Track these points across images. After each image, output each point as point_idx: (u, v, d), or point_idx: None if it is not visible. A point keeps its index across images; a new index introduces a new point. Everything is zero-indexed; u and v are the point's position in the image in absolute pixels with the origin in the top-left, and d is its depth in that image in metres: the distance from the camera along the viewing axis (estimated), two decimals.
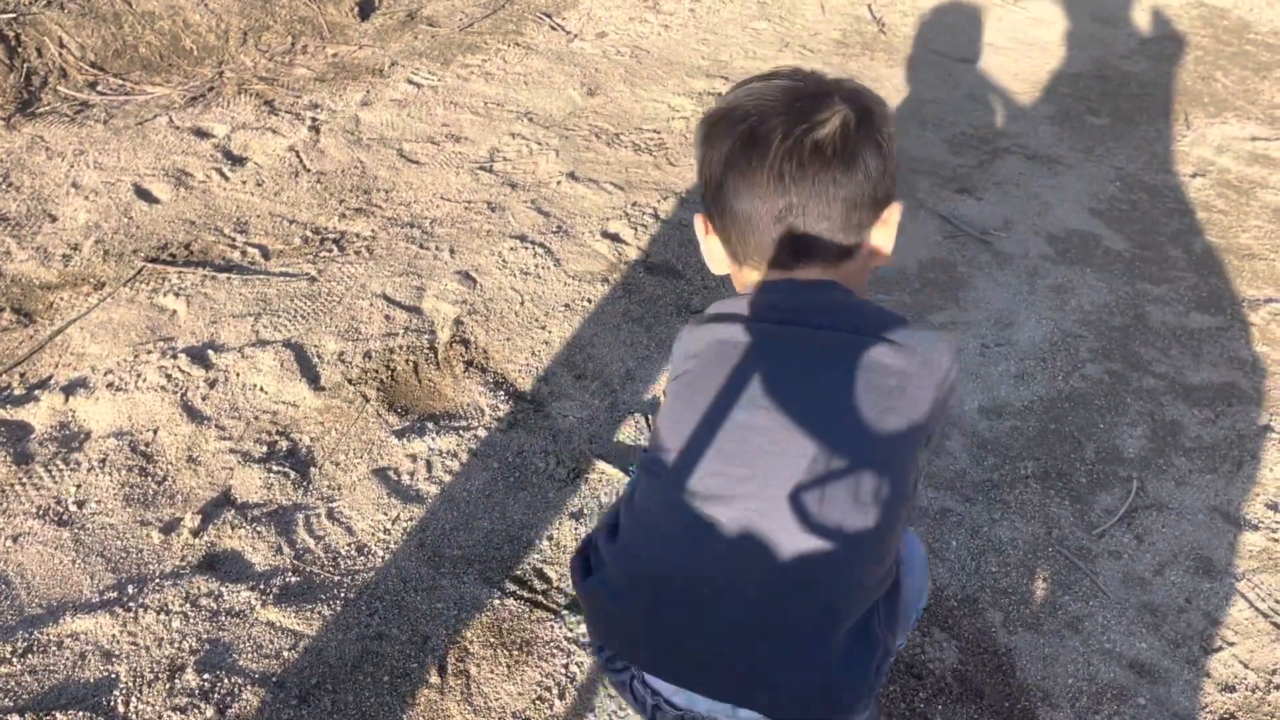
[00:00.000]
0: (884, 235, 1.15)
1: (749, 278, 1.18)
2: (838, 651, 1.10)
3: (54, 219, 2.53)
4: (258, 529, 1.79)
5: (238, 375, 2.10)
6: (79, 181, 2.67)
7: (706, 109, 1.25)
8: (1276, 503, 2.01)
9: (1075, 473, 2.04)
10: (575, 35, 3.74)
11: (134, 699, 1.51)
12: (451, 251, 2.52)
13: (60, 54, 3.13)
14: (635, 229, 2.65)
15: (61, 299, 2.28)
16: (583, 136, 3.08)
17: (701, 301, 2.42)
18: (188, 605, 1.65)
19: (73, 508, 1.80)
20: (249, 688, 1.53)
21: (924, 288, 2.55)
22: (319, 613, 1.65)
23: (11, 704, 1.49)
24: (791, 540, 1.06)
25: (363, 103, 3.15)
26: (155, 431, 1.96)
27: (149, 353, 2.13)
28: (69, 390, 2.03)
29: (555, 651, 1.63)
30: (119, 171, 2.72)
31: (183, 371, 2.09)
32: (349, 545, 1.78)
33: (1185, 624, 1.76)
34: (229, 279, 2.36)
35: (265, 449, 1.95)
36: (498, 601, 1.70)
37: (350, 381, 2.11)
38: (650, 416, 2.09)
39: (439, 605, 1.68)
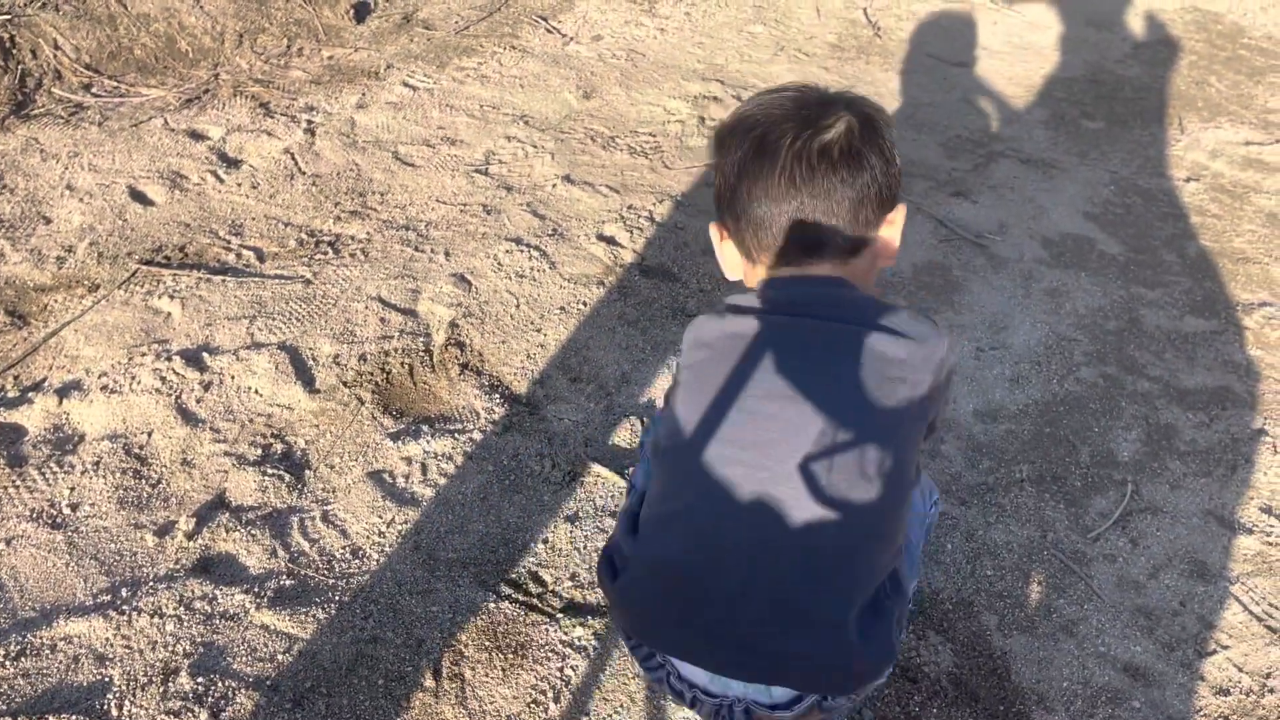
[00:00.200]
0: (890, 235, 1.21)
1: (763, 274, 1.23)
2: (856, 625, 1.15)
3: (48, 221, 2.52)
4: (252, 532, 1.78)
5: (232, 378, 2.09)
6: (73, 183, 2.66)
7: (716, 118, 1.31)
8: (1270, 506, 2.01)
9: (1070, 476, 2.05)
10: (571, 38, 3.74)
11: (127, 702, 1.50)
12: (447, 254, 2.51)
13: (55, 56, 3.13)
14: (631, 232, 2.65)
15: (56, 301, 2.27)
16: (578, 140, 3.08)
17: (697, 305, 2.42)
18: (182, 608, 1.64)
19: (66, 510, 1.80)
20: (243, 691, 1.53)
21: (919, 291, 2.55)
22: (313, 616, 1.65)
23: (4, 707, 1.48)
24: (803, 511, 1.11)
25: (358, 105, 3.15)
26: (149, 434, 1.96)
27: (143, 355, 2.13)
28: (63, 393, 2.02)
29: (550, 655, 1.63)
30: (113, 174, 2.72)
31: (177, 374, 2.08)
32: (344, 548, 1.78)
33: (1179, 627, 1.77)
34: (224, 281, 2.36)
35: (260, 452, 1.94)
36: (493, 605, 1.70)
37: (345, 384, 2.10)
38: (645, 420, 2.09)
39: (434, 608, 1.68)
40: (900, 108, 3.48)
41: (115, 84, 3.13)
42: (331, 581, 1.71)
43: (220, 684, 1.53)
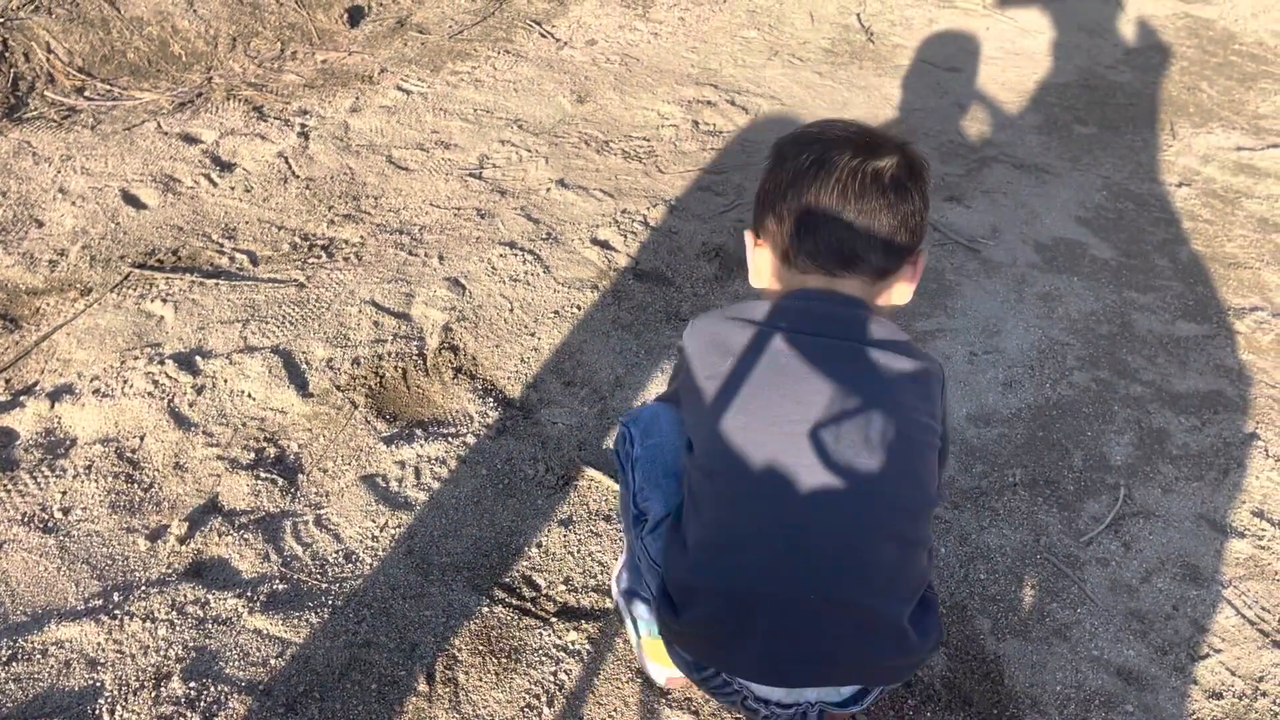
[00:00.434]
0: (910, 274, 1.30)
1: (794, 283, 1.29)
2: (912, 622, 1.25)
3: (40, 224, 2.52)
4: (245, 536, 1.78)
5: (225, 382, 2.09)
6: (66, 187, 2.66)
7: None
8: (1262, 510, 2.02)
9: (1063, 480, 2.05)
10: (565, 43, 3.75)
11: (119, 707, 1.49)
12: (441, 258, 2.51)
13: (48, 59, 3.12)
14: (625, 236, 2.66)
15: (48, 305, 2.26)
16: (572, 144, 3.08)
17: (690, 309, 2.42)
18: (174, 613, 1.64)
19: (58, 515, 1.79)
20: (235, 696, 1.52)
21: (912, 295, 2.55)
22: (306, 620, 1.64)
23: None
24: (868, 527, 1.20)
25: (352, 109, 3.15)
26: (142, 438, 1.95)
27: (136, 359, 2.12)
28: (55, 396, 2.02)
29: (544, 659, 1.63)
30: (106, 177, 2.71)
31: (170, 378, 2.08)
32: (337, 552, 1.77)
33: (1172, 631, 1.77)
34: (217, 285, 2.35)
35: (253, 456, 1.94)
36: (486, 609, 1.69)
37: (339, 388, 2.10)
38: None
39: (427, 612, 1.68)
40: (893, 112, 3.49)
41: (108, 87, 3.13)
42: (324, 585, 1.71)
43: (212, 689, 1.53)
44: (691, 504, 1.28)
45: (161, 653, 1.58)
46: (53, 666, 1.54)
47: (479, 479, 1.93)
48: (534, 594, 1.74)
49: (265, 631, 1.62)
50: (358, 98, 3.21)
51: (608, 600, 1.73)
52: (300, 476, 1.91)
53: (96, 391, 2.03)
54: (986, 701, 1.63)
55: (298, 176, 2.80)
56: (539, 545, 1.82)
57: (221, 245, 2.50)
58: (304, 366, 2.15)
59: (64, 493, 1.83)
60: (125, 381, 2.06)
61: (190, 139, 2.92)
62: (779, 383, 1.21)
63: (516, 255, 2.54)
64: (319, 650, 1.60)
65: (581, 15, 3.98)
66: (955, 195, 3.01)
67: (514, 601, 1.72)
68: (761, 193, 1.31)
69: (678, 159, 3.05)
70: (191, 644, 1.59)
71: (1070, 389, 2.29)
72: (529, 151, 3.01)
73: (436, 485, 1.91)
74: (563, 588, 1.75)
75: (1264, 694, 1.67)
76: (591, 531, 1.85)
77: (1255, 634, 1.78)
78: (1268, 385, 2.34)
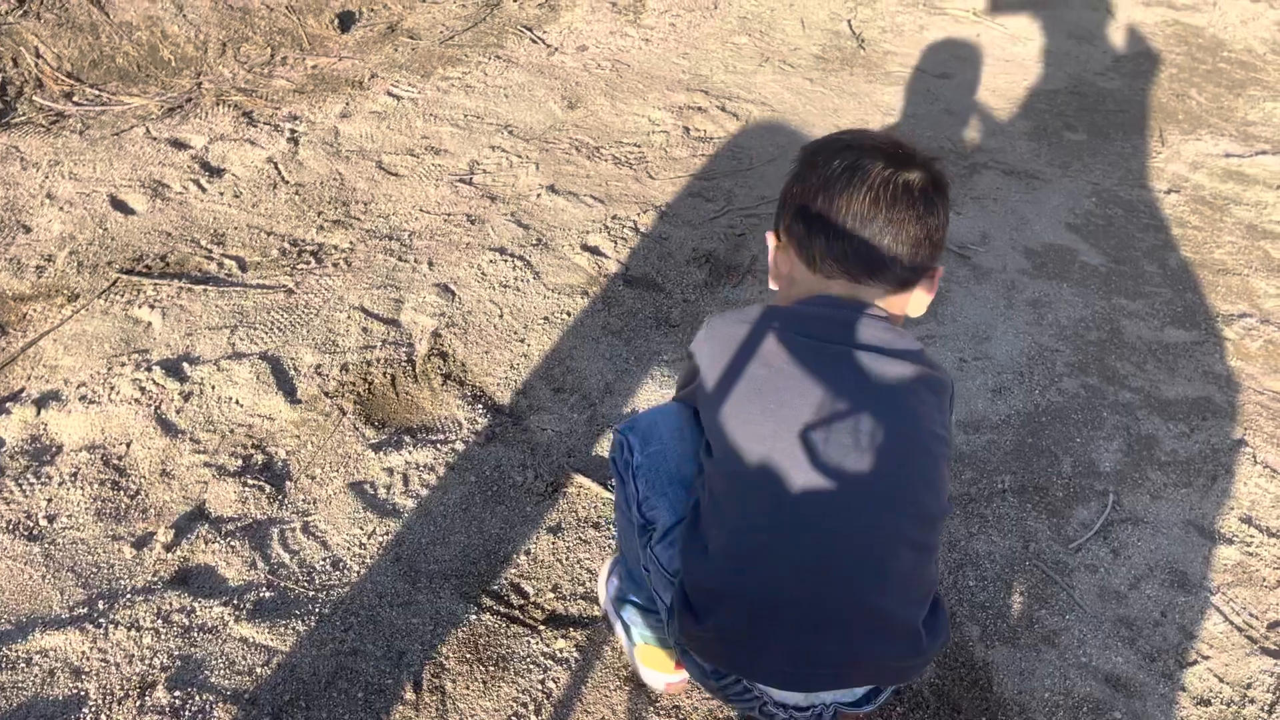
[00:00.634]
0: (928, 286, 1.32)
1: (815, 287, 1.30)
2: (924, 624, 1.27)
3: (28, 230, 2.50)
4: (232, 543, 1.77)
5: (213, 388, 2.08)
6: (54, 192, 2.65)
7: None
8: (1251, 516, 2.02)
9: (1052, 487, 2.05)
10: (556, 49, 3.75)
11: (103, 717, 1.48)
12: (430, 264, 2.51)
13: (36, 64, 3.11)
14: (615, 242, 2.65)
15: (34, 310, 2.25)
16: (563, 149, 3.08)
17: (681, 315, 2.42)
18: (159, 621, 1.63)
19: (43, 522, 1.78)
20: (221, 705, 1.51)
21: None
22: (293, 628, 1.64)
23: None
24: (890, 537, 1.21)
25: (342, 115, 3.14)
26: (128, 445, 1.94)
27: (123, 365, 2.11)
28: (41, 403, 2.01)
29: (532, 667, 1.62)
30: (94, 182, 2.70)
31: (157, 384, 2.07)
32: (324, 560, 1.76)
33: (1161, 638, 1.77)
34: (205, 291, 2.34)
35: (240, 462, 1.93)
36: (474, 617, 1.69)
37: (327, 394, 2.09)
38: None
39: (415, 620, 1.67)
40: (884, 119, 3.49)
41: (97, 92, 3.12)
42: (311, 593, 1.70)
43: (198, 697, 1.52)
44: (713, 508, 1.28)
45: (146, 661, 1.57)
46: (37, 675, 1.53)
47: (468, 486, 1.93)
48: (522, 602, 1.73)
49: (251, 640, 1.61)
50: (348, 103, 3.21)
51: (596, 608, 1.73)
52: (288, 483, 1.90)
53: (83, 398, 2.02)
54: (975, 709, 1.62)
55: (287, 182, 2.79)
56: (528, 553, 1.82)
57: (210, 251, 2.49)
58: (292, 373, 2.14)
59: (49, 500, 1.82)
60: (112, 388, 2.05)
61: (179, 144, 2.91)
62: (800, 390, 1.22)
63: (506, 261, 2.53)
64: (305, 658, 1.59)
65: (572, 21, 3.98)
66: None
67: (502, 609, 1.71)
68: (789, 195, 1.33)
69: (668, 165, 3.05)
70: (177, 652, 1.58)
71: (1059, 395, 2.29)
72: (519, 157, 3.01)
73: (425, 492, 1.91)
74: (551, 595, 1.74)
75: (1252, 700, 1.68)
76: (580, 539, 1.85)
77: (1243, 640, 1.78)
78: (1256, 392, 2.34)
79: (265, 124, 3.05)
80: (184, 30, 3.41)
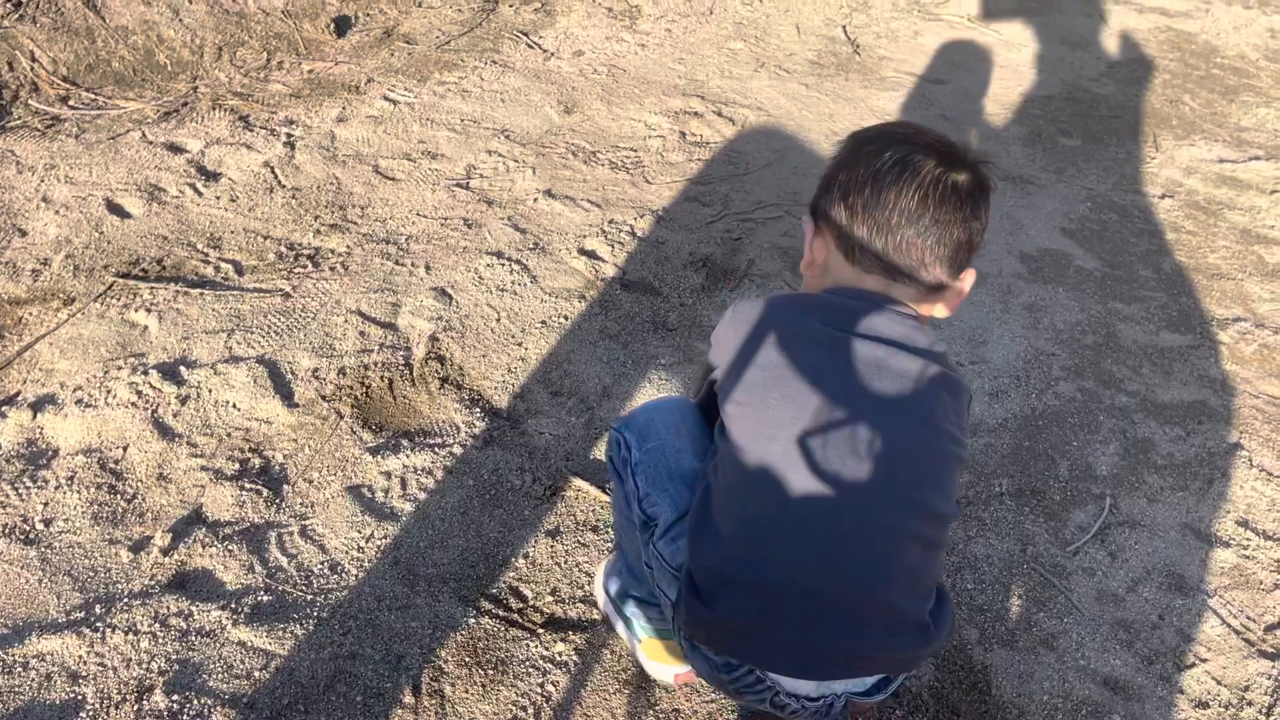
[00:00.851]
0: (959, 291, 1.33)
1: (849, 279, 1.30)
2: (931, 616, 1.28)
3: (24, 234, 2.50)
4: (229, 547, 1.77)
5: (210, 392, 2.08)
6: (49, 196, 2.64)
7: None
8: (1247, 519, 2.03)
9: (1049, 490, 2.06)
10: (552, 54, 3.75)
11: None
12: (427, 268, 2.51)
13: (32, 68, 3.11)
14: (612, 246, 2.66)
15: (30, 314, 2.25)
16: (559, 154, 3.08)
17: (678, 319, 2.42)
18: (157, 625, 1.62)
19: (40, 526, 1.77)
20: (219, 709, 1.51)
21: None
22: (291, 632, 1.63)
23: None
24: (901, 528, 1.22)
25: (338, 119, 3.14)
26: (125, 449, 1.94)
27: (119, 369, 2.11)
28: (37, 407, 2.00)
29: (531, 670, 1.62)
30: (90, 186, 2.70)
31: (154, 388, 2.06)
32: (322, 563, 1.76)
33: (1159, 640, 1.77)
34: (201, 295, 2.34)
35: (237, 466, 1.92)
36: (473, 620, 1.68)
37: (324, 398, 2.09)
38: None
39: (413, 624, 1.67)
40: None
41: (93, 96, 3.11)
42: (310, 597, 1.70)
43: (196, 701, 1.51)
44: (727, 493, 1.27)
45: (144, 665, 1.56)
46: (34, 680, 1.53)
47: (465, 490, 1.93)
48: (521, 605, 1.73)
49: (249, 643, 1.61)
50: (344, 107, 3.21)
51: (595, 611, 1.72)
52: (285, 487, 1.89)
53: (79, 402, 2.02)
54: (974, 711, 1.62)
55: (284, 186, 2.79)
56: (526, 556, 1.81)
57: (206, 255, 2.48)
58: (289, 376, 2.14)
59: (46, 504, 1.81)
60: (108, 392, 2.05)
61: (175, 148, 2.91)
62: (824, 381, 1.22)
63: (503, 265, 2.53)
64: (304, 662, 1.59)
65: (569, 26, 3.99)
66: None
67: (501, 613, 1.71)
68: (833, 182, 1.31)
69: (665, 169, 3.06)
70: (174, 656, 1.58)
71: (1056, 399, 2.30)
72: (516, 162, 3.01)
73: (423, 496, 1.90)
74: (550, 599, 1.74)
75: (1250, 703, 1.68)
76: (579, 542, 1.85)
77: (1241, 643, 1.78)
78: (1251, 395, 2.35)
79: (261, 128, 3.04)
80: (180, 34, 3.40)
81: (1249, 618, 1.83)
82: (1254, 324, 2.59)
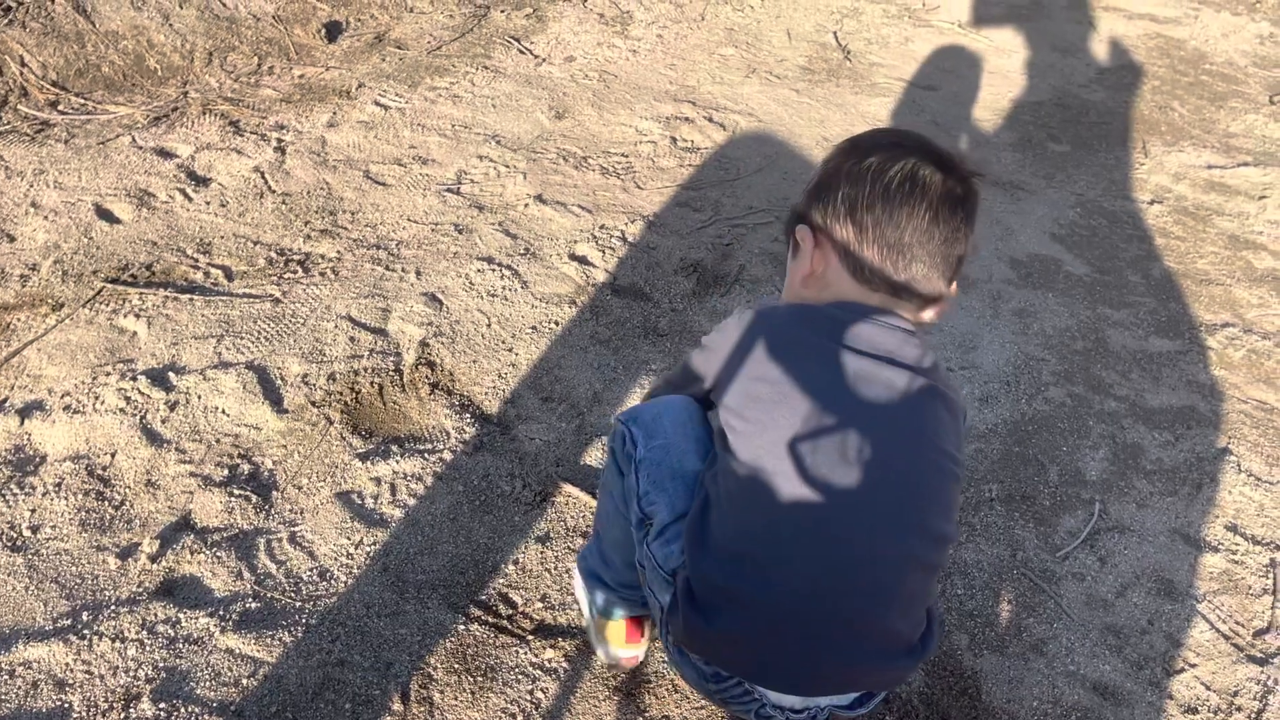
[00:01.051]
0: (949, 299, 1.32)
1: (852, 294, 1.29)
2: (920, 629, 1.28)
3: (12, 239, 2.49)
4: (217, 554, 1.76)
5: (199, 397, 2.07)
6: (38, 201, 2.63)
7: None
8: (1236, 524, 2.03)
9: (1039, 495, 2.06)
10: (543, 59, 3.75)
11: None
12: (418, 273, 2.50)
13: (21, 73, 3.10)
14: (603, 252, 2.66)
15: (18, 320, 2.24)
16: (550, 159, 3.08)
17: (669, 325, 2.42)
18: (144, 632, 1.61)
19: (27, 533, 1.76)
20: (206, 717, 1.50)
21: None
22: (279, 639, 1.62)
23: None
24: (902, 553, 1.21)
25: (329, 124, 3.14)
26: (113, 455, 1.93)
27: (108, 375, 2.10)
28: (25, 413, 1.99)
29: (520, 677, 1.61)
30: (79, 191, 2.69)
31: (142, 394, 2.06)
32: (311, 570, 1.75)
33: (1148, 646, 1.78)
34: (191, 300, 2.33)
35: (226, 472, 1.92)
36: (462, 627, 1.68)
37: (314, 404, 2.08)
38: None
39: (402, 631, 1.66)
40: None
41: (82, 101, 3.11)
42: (298, 604, 1.69)
43: (183, 709, 1.51)
44: (730, 505, 1.25)
45: (131, 673, 1.55)
46: (20, 688, 1.52)
47: (455, 496, 1.92)
48: (511, 612, 1.72)
49: (237, 651, 1.60)
50: (335, 113, 3.20)
51: (584, 617, 1.72)
52: (274, 493, 1.89)
53: (67, 408, 2.01)
54: (964, 717, 1.62)
55: (274, 191, 2.78)
56: (516, 562, 1.81)
57: (196, 260, 2.48)
58: (279, 382, 2.13)
59: (33, 510, 1.80)
60: (97, 398, 2.04)
61: (165, 153, 2.90)
62: (831, 401, 1.21)
63: (494, 270, 2.53)
64: (292, 670, 1.58)
65: (560, 32, 3.99)
66: None
67: (490, 619, 1.70)
68: (833, 195, 1.29)
69: (656, 175, 3.06)
70: (162, 664, 1.57)
71: (1046, 404, 2.30)
72: (507, 167, 3.01)
73: (412, 502, 1.90)
74: (539, 605, 1.74)
75: (1239, 709, 1.68)
76: (569, 548, 1.84)
77: (1230, 648, 1.79)
78: (1239, 401, 2.36)
79: (252, 133, 3.04)
80: (170, 39, 3.40)
81: (1238, 623, 1.83)
82: (1242, 329, 2.60)
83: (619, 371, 2.26)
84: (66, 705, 1.50)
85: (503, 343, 2.31)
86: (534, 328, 2.36)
